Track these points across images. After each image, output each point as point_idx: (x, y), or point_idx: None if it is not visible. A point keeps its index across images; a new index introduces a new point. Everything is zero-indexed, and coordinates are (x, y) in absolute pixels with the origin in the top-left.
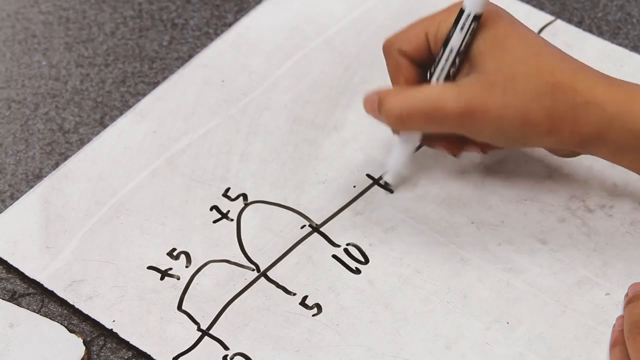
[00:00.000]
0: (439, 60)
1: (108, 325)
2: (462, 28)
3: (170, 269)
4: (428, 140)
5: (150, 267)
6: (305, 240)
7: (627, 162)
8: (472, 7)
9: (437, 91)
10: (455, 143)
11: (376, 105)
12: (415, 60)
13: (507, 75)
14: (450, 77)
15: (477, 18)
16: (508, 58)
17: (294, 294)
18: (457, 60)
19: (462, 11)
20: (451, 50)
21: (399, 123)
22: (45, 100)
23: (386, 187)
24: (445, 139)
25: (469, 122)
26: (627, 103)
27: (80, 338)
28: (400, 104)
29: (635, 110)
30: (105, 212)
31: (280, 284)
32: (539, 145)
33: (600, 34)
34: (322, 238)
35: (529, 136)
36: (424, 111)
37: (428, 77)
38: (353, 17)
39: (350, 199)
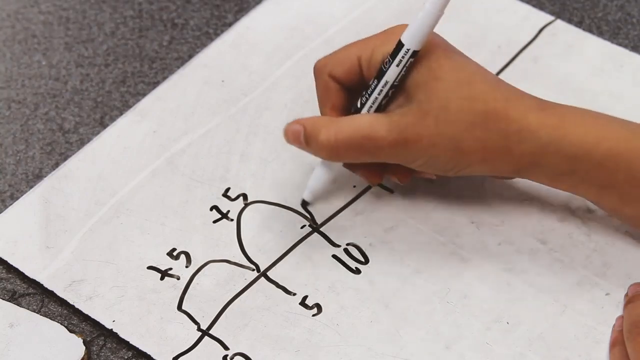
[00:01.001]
0: (372, 92)
1: (108, 325)
2: (398, 64)
3: (170, 269)
4: (350, 165)
5: (150, 267)
6: (305, 240)
7: (566, 187)
8: (411, 44)
9: (369, 121)
10: (375, 171)
11: (302, 137)
12: (345, 84)
13: (440, 105)
14: (381, 108)
15: (414, 54)
16: (441, 87)
17: (294, 294)
18: (389, 93)
19: (400, 45)
20: (386, 83)
21: (332, 155)
22: (45, 100)
23: (302, 204)
24: (365, 167)
25: (402, 151)
26: (560, 128)
27: (80, 338)
28: (334, 137)
29: (569, 136)
30: (105, 212)
31: (280, 284)
32: (473, 174)
33: (600, 34)
34: (322, 238)
35: (463, 165)
36: (358, 143)
37: (359, 105)
38: (353, 17)
39: (350, 199)
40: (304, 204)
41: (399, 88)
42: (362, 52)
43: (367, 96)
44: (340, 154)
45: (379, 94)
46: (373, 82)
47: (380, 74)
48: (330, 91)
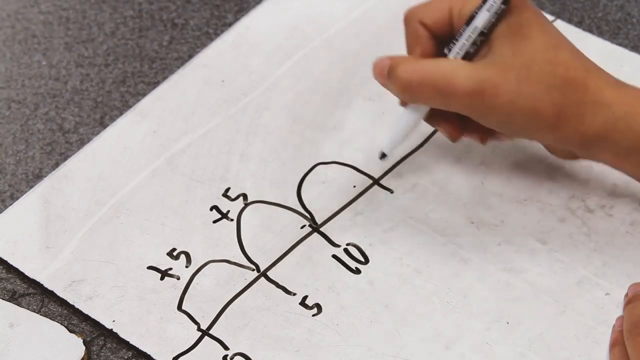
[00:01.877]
0: (460, 37)
1: (108, 325)
2: (489, 9)
3: (170, 269)
4: (431, 118)
5: (150, 267)
6: (305, 240)
7: (629, 166)
8: None
9: (451, 65)
10: (457, 126)
11: (386, 71)
12: (434, 33)
13: (523, 63)
14: (468, 57)
15: (506, 1)
16: (527, 47)
17: (294, 294)
18: (478, 40)
19: None
20: (475, 29)
21: (407, 91)
22: (45, 100)
23: (381, 156)
24: (448, 120)
25: (478, 102)
26: (634, 106)
27: (80, 338)
28: (411, 72)
29: None
30: (105, 212)
31: (280, 284)
32: (542, 139)
33: (600, 34)
34: (322, 238)
35: (534, 127)
36: (434, 83)
37: (446, 52)
38: (353, 17)
39: (350, 199)
40: (383, 156)
41: (485, 40)
42: (454, 3)
43: (454, 42)
44: (416, 91)
45: (467, 40)
46: (462, 28)
47: (470, 19)
48: (420, 38)
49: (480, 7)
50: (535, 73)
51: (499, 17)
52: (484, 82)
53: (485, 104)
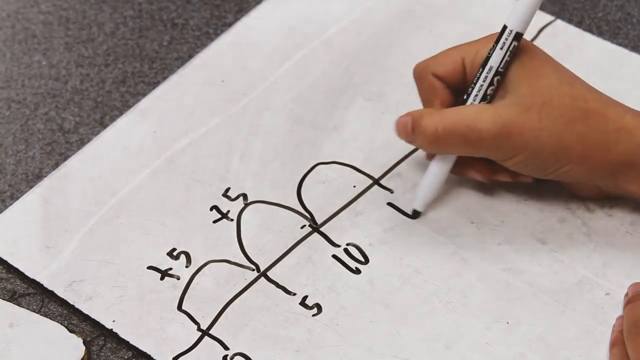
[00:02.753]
0: (477, 81)
1: (108, 325)
2: (502, 47)
3: (170, 269)
4: (459, 167)
5: (150, 267)
6: (305, 240)
7: None
8: (514, 25)
9: (474, 111)
10: (486, 169)
11: (410, 126)
12: (449, 84)
13: (543, 100)
14: (487, 98)
15: (518, 37)
16: (543, 84)
17: (294, 294)
18: (494, 80)
19: (504, 29)
20: (490, 69)
21: (434, 143)
22: (45, 100)
23: (413, 215)
24: (476, 167)
25: (504, 143)
26: None
27: (80, 338)
28: (436, 123)
29: None
30: (105, 212)
31: (280, 284)
32: (569, 174)
33: (600, 34)
34: (322, 238)
35: (563, 161)
36: (460, 130)
37: (465, 97)
38: (353, 17)
39: (350, 199)
40: (415, 215)
41: (501, 81)
42: (466, 53)
43: (472, 86)
44: (442, 143)
45: (484, 81)
46: (478, 71)
47: (485, 61)
48: (437, 90)
49: (493, 47)
50: (556, 108)
51: (512, 53)
52: (508, 122)
53: (511, 145)
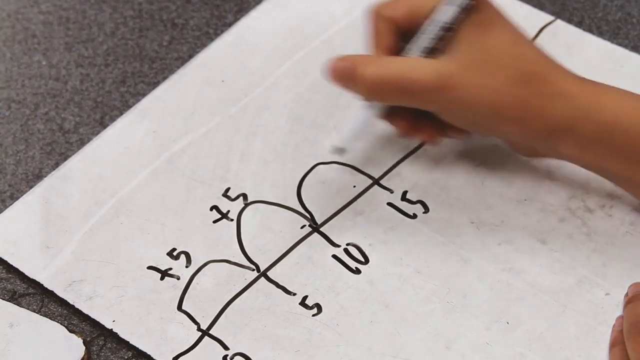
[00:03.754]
0: (421, 33)
1: (108, 325)
2: (454, 3)
3: (170, 269)
4: (389, 115)
5: (150, 267)
6: (305, 240)
7: (595, 157)
8: None
9: (413, 63)
10: (410, 123)
11: (348, 73)
12: (398, 28)
13: (486, 58)
14: (429, 51)
15: None
16: (490, 43)
17: (294, 294)
18: (439, 35)
19: None
20: (435, 24)
21: (372, 92)
22: (45, 100)
23: (337, 151)
24: (403, 116)
25: (440, 97)
26: (596, 96)
27: (80, 338)
28: (375, 72)
29: (605, 104)
30: (105, 212)
31: (280, 284)
32: (505, 133)
33: (600, 34)
34: (322, 238)
35: (498, 121)
36: (398, 82)
37: (407, 48)
38: (353, 17)
39: (350, 199)
40: (340, 151)
41: (449, 38)
42: (419, 1)
43: (416, 37)
44: (380, 93)
45: (427, 35)
46: (424, 24)
47: (432, 15)
48: (382, 33)
49: (441, 3)
50: (499, 67)
51: (461, 13)
52: (446, 77)
53: (447, 99)
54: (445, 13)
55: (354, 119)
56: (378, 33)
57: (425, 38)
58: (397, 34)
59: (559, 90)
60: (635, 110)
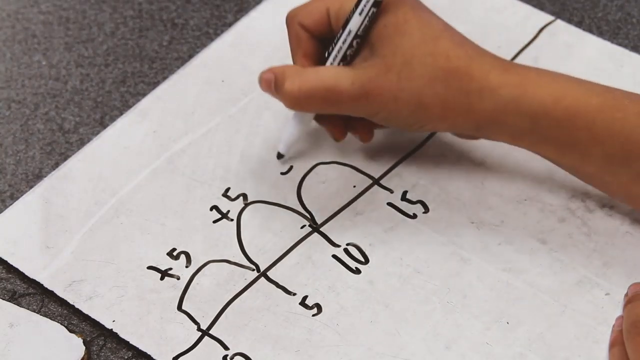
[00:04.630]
0: (337, 41)
1: (108, 325)
2: (361, 12)
3: (170, 269)
4: (318, 118)
5: (150, 267)
6: (305, 240)
7: (526, 145)
8: None
9: (333, 74)
10: (341, 126)
11: (272, 84)
12: (315, 34)
13: (404, 60)
14: (347, 59)
15: (377, 4)
16: (406, 43)
17: (294, 294)
18: (354, 43)
19: None
20: (349, 33)
21: (296, 104)
22: (45, 100)
23: (278, 156)
24: (332, 121)
25: (364, 104)
26: (521, 87)
27: (80, 338)
28: (298, 86)
29: (529, 93)
30: (105, 212)
31: (280, 284)
32: (434, 130)
33: (600, 34)
34: (322, 238)
35: (423, 120)
36: (320, 93)
37: (326, 55)
38: None
39: (350, 199)
40: (279, 156)
41: (364, 41)
42: (331, 4)
43: (333, 46)
44: (304, 104)
45: (343, 43)
46: (340, 32)
47: (346, 23)
48: (301, 40)
49: (353, 11)
50: (416, 68)
51: (373, 19)
52: (367, 85)
53: (371, 105)
54: (355, 21)
55: (289, 125)
56: (297, 40)
57: (341, 47)
58: (315, 40)
59: (480, 84)
60: (557, 98)
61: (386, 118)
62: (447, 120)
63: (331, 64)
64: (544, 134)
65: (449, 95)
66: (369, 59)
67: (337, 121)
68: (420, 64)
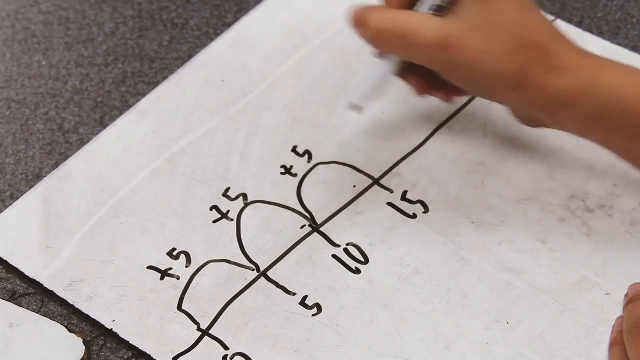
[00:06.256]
0: None
1: (108, 325)
2: None
3: (170, 269)
4: (402, 72)
5: (150, 267)
6: (305, 240)
7: (594, 131)
8: None
9: (419, 18)
10: (424, 82)
11: (357, 17)
12: None
13: (492, 23)
14: (439, 11)
15: None
16: (497, 7)
17: (294, 294)
18: None
19: None
20: None
21: (374, 38)
22: (45, 100)
23: (353, 108)
24: (417, 75)
25: (442, 56)
26: (598, 71)
27: (80, 338)
28: (380, 21)
29: (606, 79)
30: (105, 212)
31: (280, 284)
32: (504, 101)
33: (600, 34)
34: (322, 238)
35: (496, 87)
36: (401, 33)
37: (417, 6)
38: None
39: (350, 199)
40: (356, 108)
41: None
42: None
43: None
44: (383, 40)
45: None
46: None
47: None
48: None
49: None
50: (502, 33)
51: None
52: (450, 37)
53: (449, 59)
54: None
55: (368, 76)
56: None
57: None
58: None
59: (560, 63)
60: (634, 85)
61: (460, 77)
62: (519, 92)
63: (421, 12)
64: (615, 121)
65: (527, 67)
66: (458, 14)
67: (422, 76)
68: (506, 31)
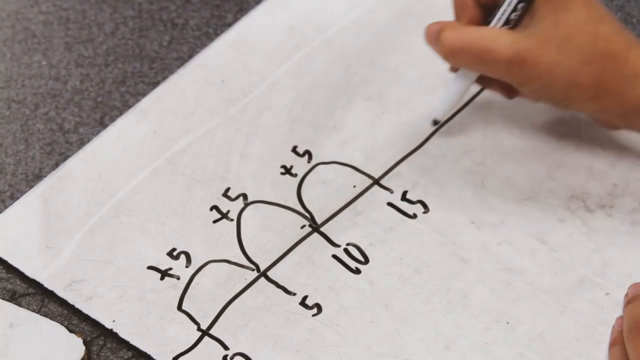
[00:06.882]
0: (502, 4)
1: (108, 325)
2: None
3: (170, 269)
4: (482, 81)
5: (150, 267)
6: (305, 240)
7: None
8: None
9: (493, 33)
10: (507, 87)
11: (433, 34)
12: (480, 1)
13: (564, 35)
14: (509, 24)
15: None
16: (569, 19)
17: (294, 294)
18: (518, 7)
19: None
20: None
21: (450, 55)
22: (45, 100)
23: (434, 123)
24: (497, 81)
25: (517, 70)
26: None
27: (80, 338)
28: (455, 38)
29: None
30: (105, 212)
31: (280, 284)
32: (581, 109)
33: None
34: (322, 238)
35: (573, 98)
36: (475, 49)
37: (489, 20)
38: (353, 17)
39: (350, 199)
40: (435, 123)
41: (527, 10)
42: None
43: (498, 9)
44: (458, 57)
45: (508, 6)
46: None
47: None
48: (466, 6)
49: None
50: (576, 45)
51: None
52: (524, 52)
53: (524, 73)
54: None
55: (448, 92)
56: (462, 6)
57: (505, 9)
58: (480, 7)
59: (635, 71)
60: None
61: (536, 90)
62: (597, 101)
63: (494, 27)
64: None
65: (603, 77)
66: (530, 27)
67: (502, 82)
68: (580, 42)
